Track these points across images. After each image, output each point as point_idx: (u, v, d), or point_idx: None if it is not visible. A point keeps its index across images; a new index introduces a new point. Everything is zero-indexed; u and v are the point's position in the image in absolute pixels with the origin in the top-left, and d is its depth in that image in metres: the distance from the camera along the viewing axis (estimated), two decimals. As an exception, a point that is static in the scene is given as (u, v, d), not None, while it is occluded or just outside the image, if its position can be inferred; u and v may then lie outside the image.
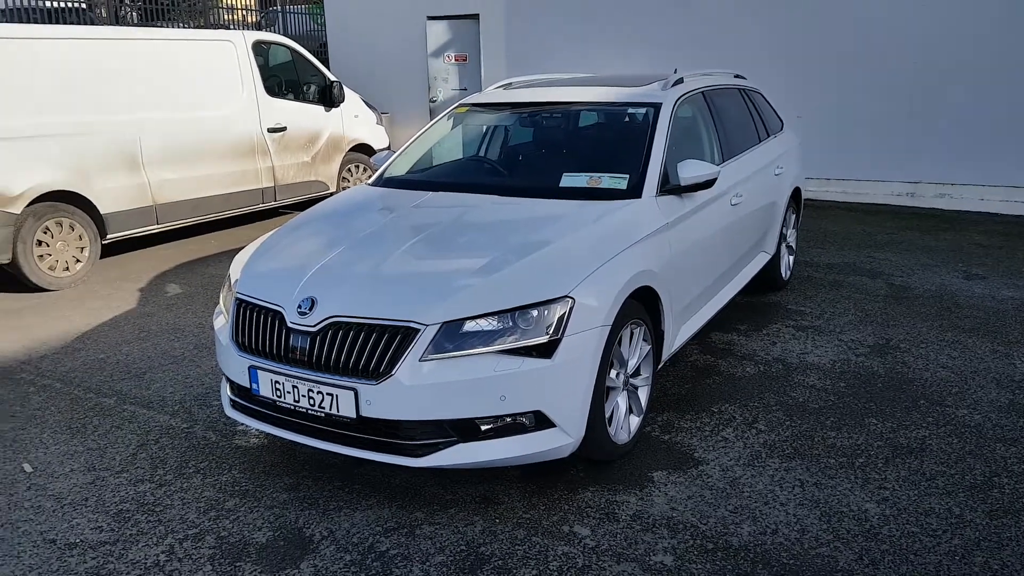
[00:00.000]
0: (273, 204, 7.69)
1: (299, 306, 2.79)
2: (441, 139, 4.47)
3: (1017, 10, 7.44)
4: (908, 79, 8.06)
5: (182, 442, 3.42)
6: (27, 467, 3.24)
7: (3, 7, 9.53)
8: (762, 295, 5.32)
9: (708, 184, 3.57)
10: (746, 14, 8.70)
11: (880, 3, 8.03)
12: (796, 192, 5.47)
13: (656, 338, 3.34)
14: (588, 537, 2.67)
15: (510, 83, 4.84)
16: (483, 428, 2.67)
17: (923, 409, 3.61)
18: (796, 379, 3.96)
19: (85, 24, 6.30)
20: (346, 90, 8.36)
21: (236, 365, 2.95)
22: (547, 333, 2.68)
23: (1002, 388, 3.83)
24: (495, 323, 2.66)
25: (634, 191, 3.48)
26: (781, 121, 5.66)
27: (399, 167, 4.28)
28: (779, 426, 3.45)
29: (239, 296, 3.04)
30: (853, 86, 8.34)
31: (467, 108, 4.51)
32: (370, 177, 4.30)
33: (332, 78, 8.16)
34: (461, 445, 2.66)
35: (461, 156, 4.52)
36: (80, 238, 5.97)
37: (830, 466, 3.11)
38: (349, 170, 8.49)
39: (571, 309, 2.73)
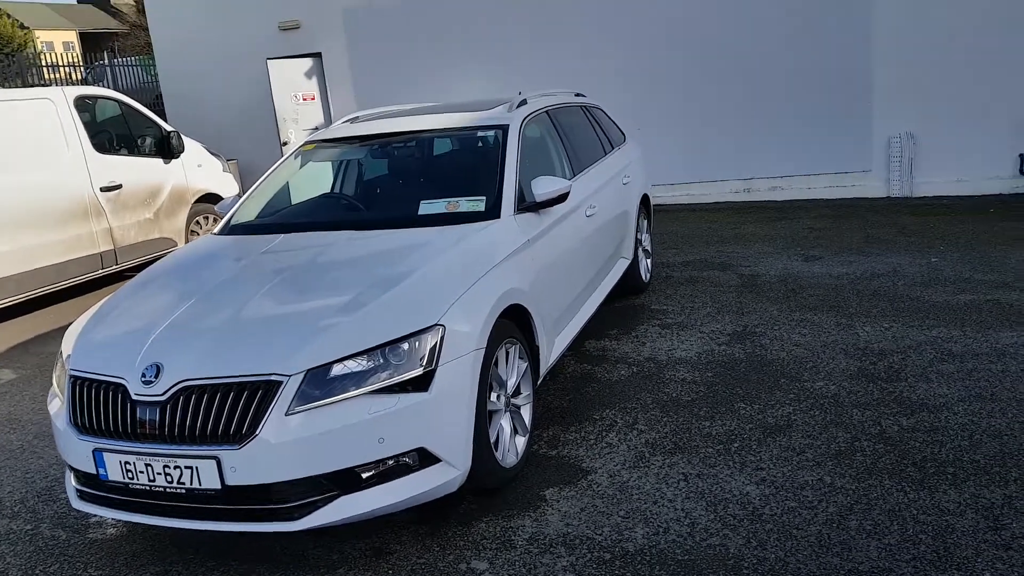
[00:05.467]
0: (115, 268, 7.09)
1: (143, 374, 2.54)
2: (290, 179, 4.29)
3: (816, 18, 8.28)
4: (734, 89, 8.78)
5: (26, 547, 3.00)
6: None
7: None
8: (627, 299, 5.50)
9: (562, 198, 3.64)
10: (594, 39, 9.12)
11: (710, 23, 8.70)
12: (645, 199, 5.73)
13: (532, 354, 3.33)
14: (487, 571, 2.59)
15: (357, 117, 4.74)
16: (364, 476, 2.53)
17: (784, 387, 3.83)
18: (668, 375, 4.10)
19: None
20: (185, 139, 7.94)
21: (78, 450, 2.64)
22: (421, 365, 2.59)
23: (850, 357, 4.15)
24: (364, 362, 2.55)
25: (492, 212, 3.48)
26: (623, 133, 5.92)
27: (247, 212, 4.06)
28: (658, 423, 3.55)
29: (73, 373, 2.73)
30: (688, 97, 8.97)
31: (314, 145, 4.37)
32: (216, 227, 4.05)
33: (168, 128, 7.73)
34: (343, 498, 2.51)
35: (313, 195, 4.35)
36: None
37: (709, 455, 3.22)
38: (198, 223, 8.04)
39: (443, 337, 2.66)
